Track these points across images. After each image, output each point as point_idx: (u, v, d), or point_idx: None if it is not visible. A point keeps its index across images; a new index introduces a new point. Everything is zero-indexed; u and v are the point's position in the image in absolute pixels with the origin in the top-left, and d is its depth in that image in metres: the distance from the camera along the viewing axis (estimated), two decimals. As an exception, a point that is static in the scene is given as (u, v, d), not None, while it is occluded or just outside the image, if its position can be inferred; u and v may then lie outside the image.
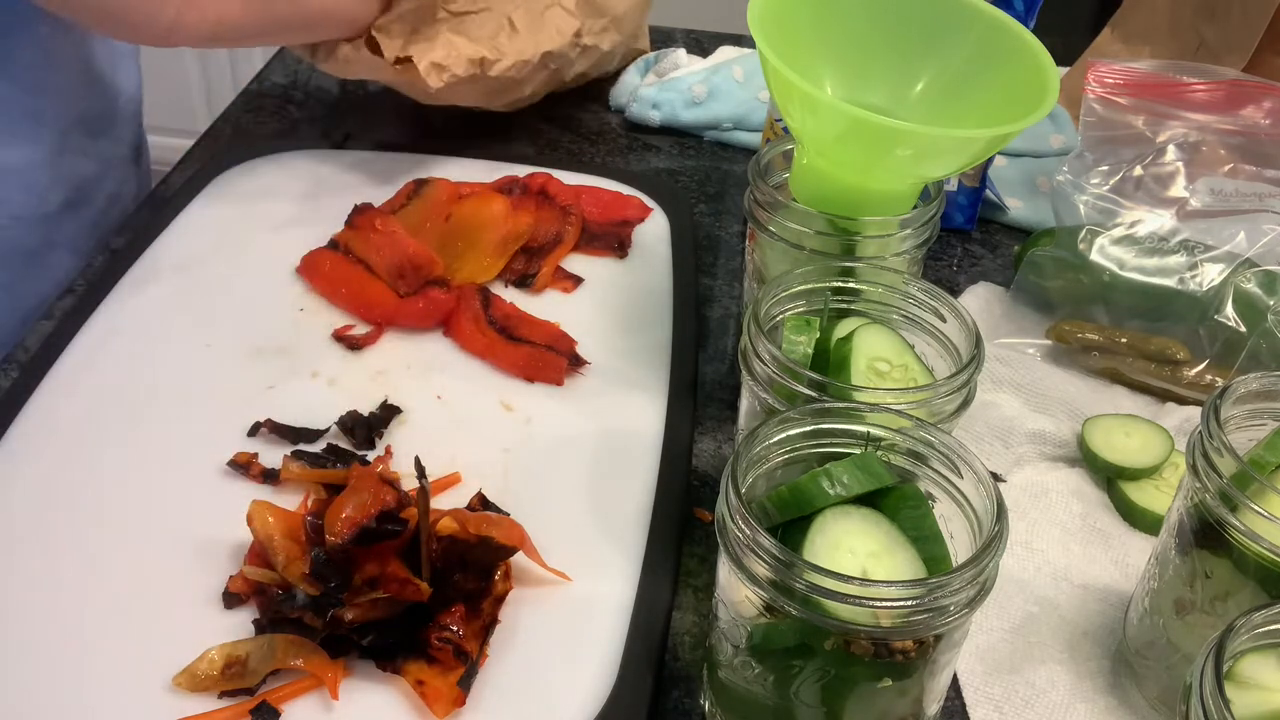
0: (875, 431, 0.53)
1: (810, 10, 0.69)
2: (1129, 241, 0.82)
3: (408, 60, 0.87)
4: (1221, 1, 0.99)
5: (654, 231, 0.92)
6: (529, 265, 0.86)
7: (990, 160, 0.95)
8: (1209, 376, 0.79)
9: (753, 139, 1.07)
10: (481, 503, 0.66)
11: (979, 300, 0.88)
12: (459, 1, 0.91)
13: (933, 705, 0.53)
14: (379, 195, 0.89)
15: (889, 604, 0.46)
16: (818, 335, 0.61)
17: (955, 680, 0.61)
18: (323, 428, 0.71)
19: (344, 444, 0.70)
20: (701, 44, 1.22)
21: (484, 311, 0.79)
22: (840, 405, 0.54)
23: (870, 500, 0.51)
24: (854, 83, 0.70)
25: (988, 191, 0.97)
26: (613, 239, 0.90)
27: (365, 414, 0.72)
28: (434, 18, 0.90)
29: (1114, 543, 0.70)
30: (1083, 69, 0.98)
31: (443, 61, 0.89)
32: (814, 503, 0.51)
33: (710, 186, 1.02)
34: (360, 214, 0.85)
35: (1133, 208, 0.84)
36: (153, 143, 0.94)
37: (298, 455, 0.68)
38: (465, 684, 0.56)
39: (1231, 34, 0.99)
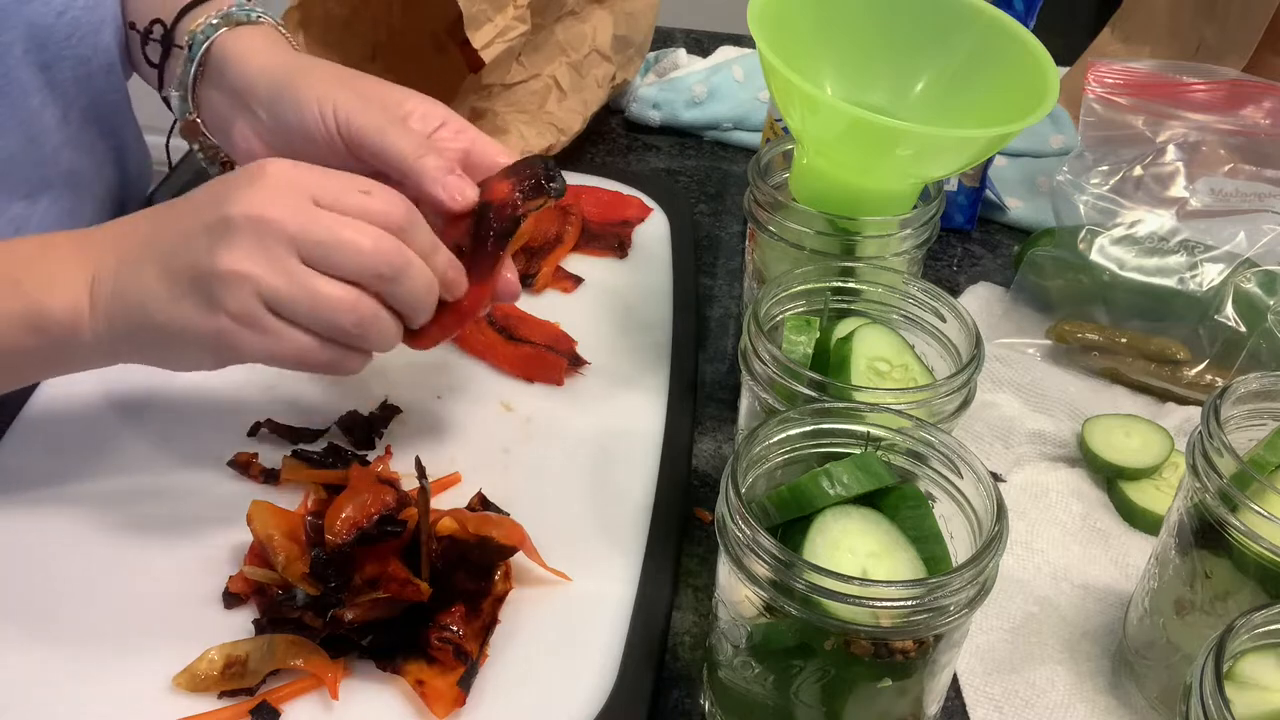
0: (875, 431, 0.53)
1: (811, 10, 0.69)
2: (1129, 241, 0.82)
3: None
4: (1221, 1, 0.99)
5: (654, 231, 0.92)
6: (529, 265, 0.86)
7: (990, 160, 0.95)
8: (1209, 376, 0.79)
9: (753, 139, 1.07)
10: (481, 503, 0.66)
11: (979, 300, 0.88)
12: (511, 73, 0.92)
13: (933, 705, 0.53)
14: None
15: (889, 604, 0.46)
16: (818, 335, 0.61)
17: (955, 680, 0.61)
18: (323, 428, 0.71)
19: (344, 444, 0.70)
20: (701, 44, 1.22)
21: (484, 311, 0.80)
22: (840, 405, 0.54)
23: (870, 500, 0.51)
24: (854, 82, 0.70)
25: (988, 191, 0.97)
26: (613, 239, 0.90)
27: (365, 414, 0.72)
28: (490, 93, 0.91)
29: (1114, 543, 0.70)
30: (1083, 69, 0.98)
31: None
32: (814, 503, 0.50)
33: (710, 186, 1.02)
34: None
35: (1133, 208, 0.84)
36: (152, 143, 0.94)
37: (297, 455, 0.68)
38: (465, 684, 0.56)
39: (1231, 34, 0.99)
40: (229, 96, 0.70)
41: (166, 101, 0.75)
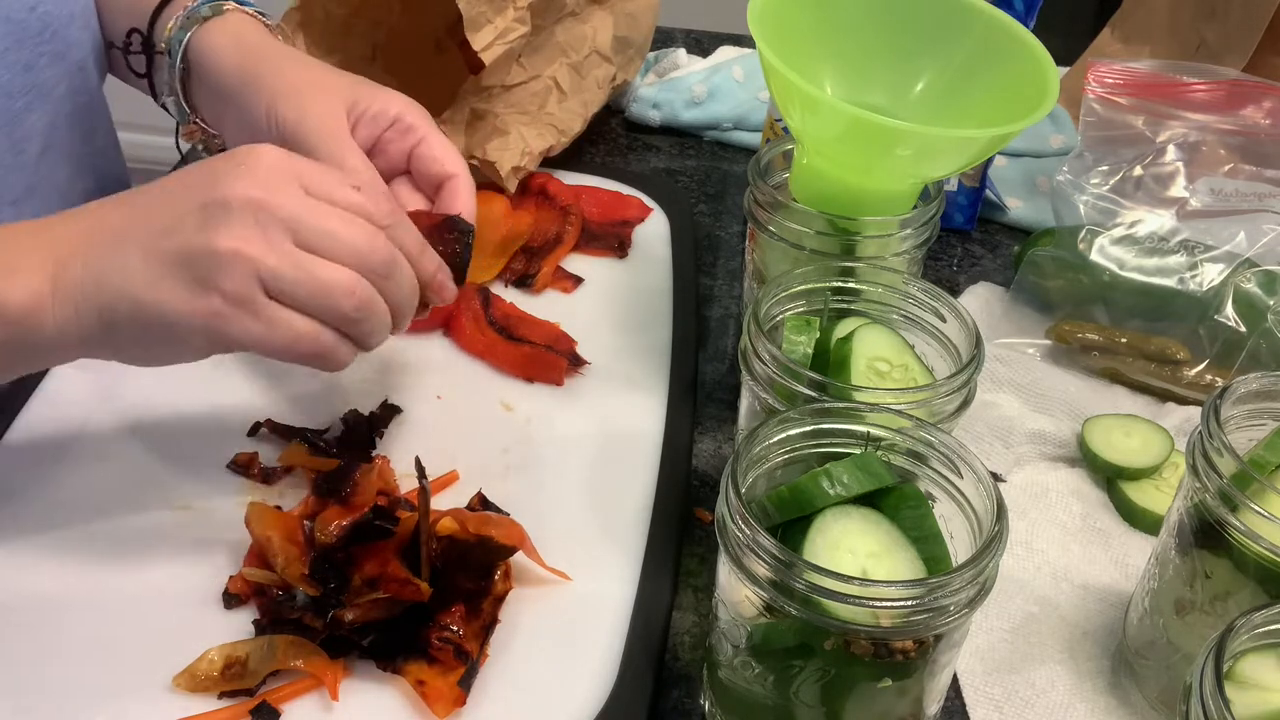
0: (875, 431, 0.53)
1: (810, 10, 0.69)
2: (1129, 241, 0.82)
3: (489, 163, 0.89)
4: (1221, 1, 0.99)
5: (654, 231, 0.92)
6: (529, 265, 0.86)
7: (990, 160, 0.94)
8: (1209, 376, 0.79)
9: (753, 139, 1.07)
10: (481, 503, 0.66)
11: (979, 300, 0.88)
12: (511, 74, 0.92)
13: (933, 705, 0.53)
14: (379, 195, 0.89)
15: (889, 604, 0.46)
16: (818, 335, 0.61)
17: (955, 680, 0.61)
18: (323, 427, 0.71)
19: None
20: (701, 44, 1.22)
21: (484, 311, 0.79)
22: (840, 405, 0.54)
23: (870, 500, 0.51)
24: (854, 83, 0.70)
25: (988, 191, 0.97)
26: (613, 239, 0.90)
27: (365, 414, 0.72)
28: (490, 95, 0.91)
29: (1114, 543, 0.70)
30: (1083, 69, 0.98)
31: (519, 163, 0.90)
32: (814, 503, 0.51)
33: (710, 186, 1.02)
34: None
35: (1133, 208, 0.84)
36: (150, 143, 0.93)
37: (307, 441, 0.69)
38: (465, 684, 0.56)
39: (1231, 34, 0.99)
40: (211, 95, 0.70)
41: (166, 108, 0.74)
